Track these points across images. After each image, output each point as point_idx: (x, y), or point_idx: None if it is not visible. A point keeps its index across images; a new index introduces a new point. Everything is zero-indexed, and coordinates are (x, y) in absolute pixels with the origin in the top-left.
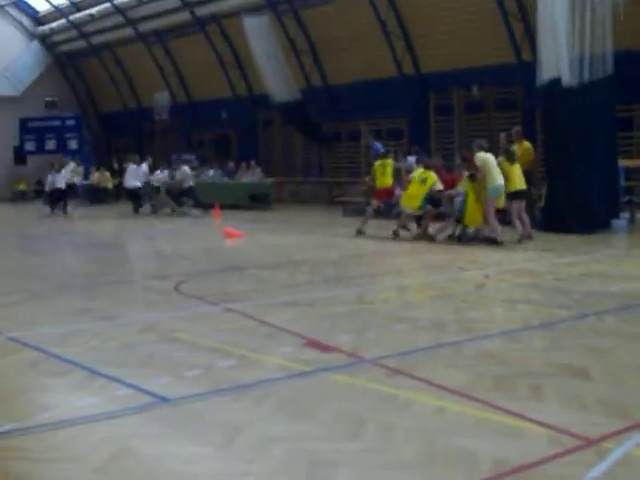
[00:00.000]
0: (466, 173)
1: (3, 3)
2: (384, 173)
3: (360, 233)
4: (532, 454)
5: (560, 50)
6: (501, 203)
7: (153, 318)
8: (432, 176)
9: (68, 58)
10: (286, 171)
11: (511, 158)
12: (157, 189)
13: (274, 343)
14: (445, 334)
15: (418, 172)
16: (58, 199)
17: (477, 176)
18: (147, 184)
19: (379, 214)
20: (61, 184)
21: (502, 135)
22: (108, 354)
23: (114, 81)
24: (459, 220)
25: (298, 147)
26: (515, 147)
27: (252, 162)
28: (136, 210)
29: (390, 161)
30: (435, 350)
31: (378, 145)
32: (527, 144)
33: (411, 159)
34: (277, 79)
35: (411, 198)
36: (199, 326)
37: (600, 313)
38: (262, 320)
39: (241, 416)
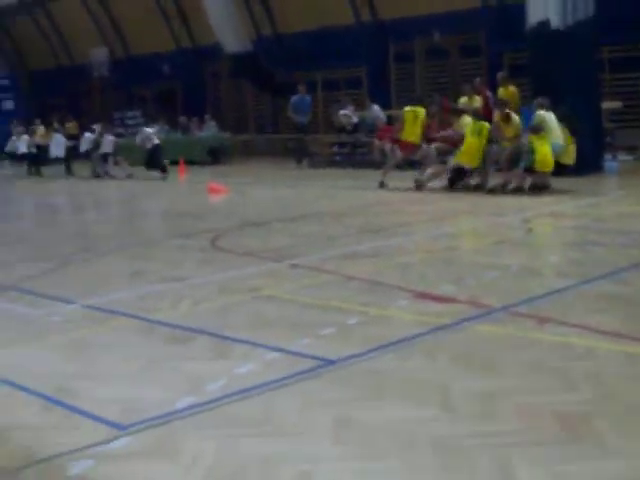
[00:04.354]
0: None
1: None
2: (415, 123)
3: (383, 185)
4: None
5: None
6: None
7: (222, 277)
8: (486, 125)
9: None
10: (237, 125)
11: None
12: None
13: (381, 297)
14: (549, 279)
15: (470, 124)
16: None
17: (537, 130)
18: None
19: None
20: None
21: (477, 80)
22: (216, 317)
23: (46, 38)
24: (529, 169)
25: (249, 100)
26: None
27: (206, 116)
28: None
29: (422, 110)
30: (558, 296)
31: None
32: (512, 88)
33: (376, 107)
34: (227, 29)
35: (468, 155)
36: (281, 283)
37: None
38: (342, 274)
39: (429, 374)
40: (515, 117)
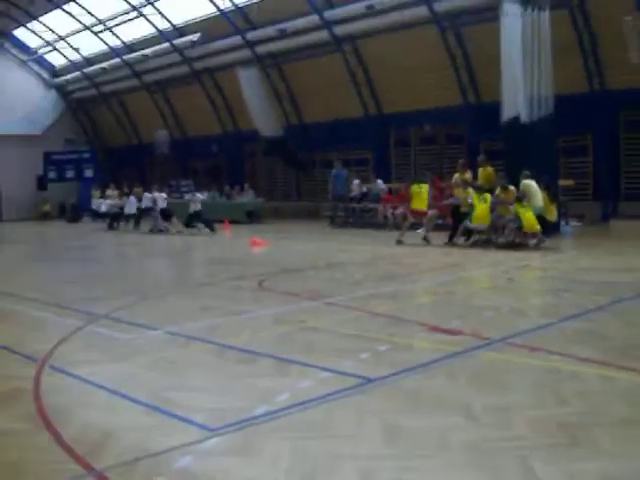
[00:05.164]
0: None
1: (25, 59)
2: (420, 195)
3: (400, 242)
4: None
5: (518, 92)
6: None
7: (273, 312)
8: (488, 195)
9: (78, 103)
10: (269, 192)
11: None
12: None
13: (403, 329)
14: (534, 318)
15: (475, 195)
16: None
17: (522, 198)
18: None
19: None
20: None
21: (460, 161)
22: (274, 343)
23: (120, 122)
24: (519, 228)
25: (279, 174)
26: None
27: (245, 185)
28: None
29: (426, 186)
30: (543, 331)
31: (342, 172)
32: (490, 169)
33: (379, 181)
34: (263, 119)
35: (482, 217)
36: (321, 318)
37: (632, 298)
38: (369, 311)
39: (451, 390)
40: (511, 187)
